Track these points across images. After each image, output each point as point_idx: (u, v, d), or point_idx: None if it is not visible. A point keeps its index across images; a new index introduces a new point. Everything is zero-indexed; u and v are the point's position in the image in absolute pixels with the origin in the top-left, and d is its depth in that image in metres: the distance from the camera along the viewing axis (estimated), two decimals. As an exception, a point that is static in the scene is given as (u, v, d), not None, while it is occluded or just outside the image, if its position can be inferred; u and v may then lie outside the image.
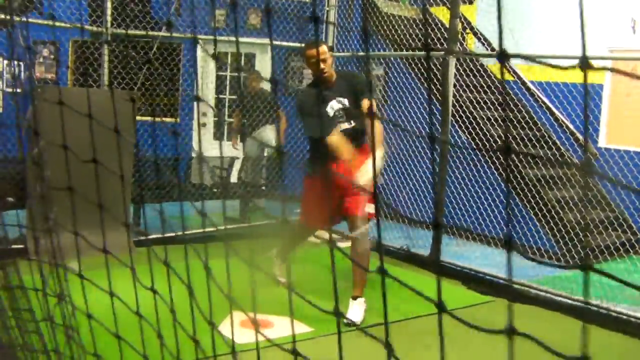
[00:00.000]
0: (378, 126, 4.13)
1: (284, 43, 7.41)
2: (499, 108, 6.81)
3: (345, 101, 4.24)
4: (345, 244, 5.30)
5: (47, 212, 1.69)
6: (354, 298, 4.17)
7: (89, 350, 1.75)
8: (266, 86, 7.67)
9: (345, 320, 4.05)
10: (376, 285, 4.27)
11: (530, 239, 6.04)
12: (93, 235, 1.67)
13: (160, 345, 1.58)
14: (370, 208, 4.16)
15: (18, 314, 2.09)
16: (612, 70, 0.77)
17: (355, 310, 4.13)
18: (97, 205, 1.63)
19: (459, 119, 6.56)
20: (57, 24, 5.70)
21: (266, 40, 7.43)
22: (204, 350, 1.41)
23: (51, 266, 1.72)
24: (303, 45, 4.65)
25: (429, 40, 6.69)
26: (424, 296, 0.93)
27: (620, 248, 5.54)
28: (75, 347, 1.71)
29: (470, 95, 6.81)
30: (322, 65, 4.17)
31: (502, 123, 6.63)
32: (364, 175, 3.90)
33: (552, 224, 5.98)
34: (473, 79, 6.87)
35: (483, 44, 7.24)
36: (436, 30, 6.83)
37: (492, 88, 6.93)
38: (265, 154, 7.46)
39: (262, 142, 7.33)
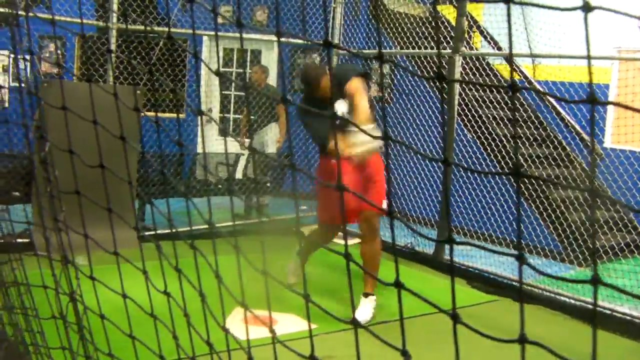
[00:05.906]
0: (362, 103, 3.81)
1: (291, 40, 7.38)
2: (505, 107, 6.79)
3: (342, 104, 4.01)
4: (353, 241, 5.28)
5: (56, 211, 1.69)
6: (365, 295, 4.15)
7: (101, 348, 1.75)
8: (271, 81, 7.66)
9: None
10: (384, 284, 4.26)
11: (535, 238, 6.02)
12: (101, 231, 1.68)
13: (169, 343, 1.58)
14: (383, 204, 4.12)
15: (22, 311, 2.09)
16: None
17: (364, 309, 4.12)
18: (104, 201, 1.64)
19: (464, 117, 6.54)
20: (63, 18, 5.68)
21: (272, 37, 7.42)
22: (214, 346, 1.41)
23: (62, 264, 1.72)
24: (308, 44, 4.64)
25: (436, 39, 6.67)
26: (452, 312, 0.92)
27: (625, 248, 5.52)
28: (91, 347, 1.71)
29: (476, 93, 6.79)
30: (320, 93, 4.11)
31: (507, 122, 6.61)
32: (356, 147, 3.55)
33: (556, 223, 5.96)
34: (479, 77, 6.85)
35: (489, 43, 7.21)
36: (442, 28, 6.80)
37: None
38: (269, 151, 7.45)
39: (265, 141, 7.32)
